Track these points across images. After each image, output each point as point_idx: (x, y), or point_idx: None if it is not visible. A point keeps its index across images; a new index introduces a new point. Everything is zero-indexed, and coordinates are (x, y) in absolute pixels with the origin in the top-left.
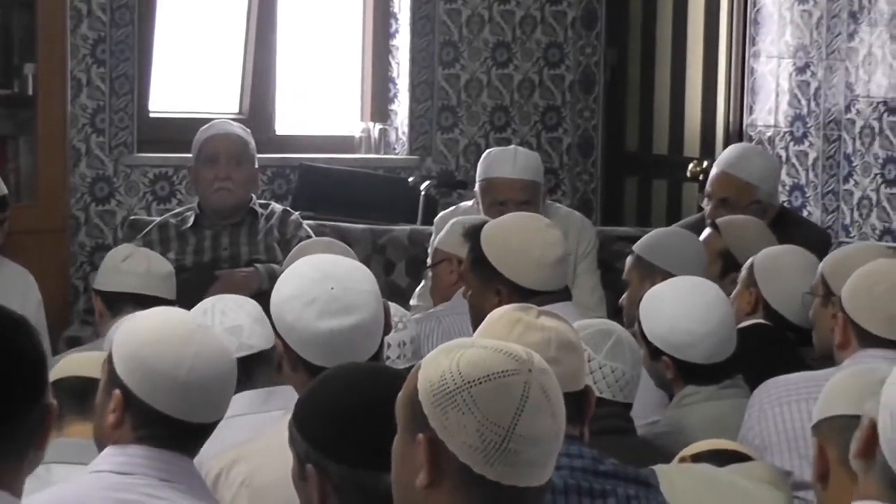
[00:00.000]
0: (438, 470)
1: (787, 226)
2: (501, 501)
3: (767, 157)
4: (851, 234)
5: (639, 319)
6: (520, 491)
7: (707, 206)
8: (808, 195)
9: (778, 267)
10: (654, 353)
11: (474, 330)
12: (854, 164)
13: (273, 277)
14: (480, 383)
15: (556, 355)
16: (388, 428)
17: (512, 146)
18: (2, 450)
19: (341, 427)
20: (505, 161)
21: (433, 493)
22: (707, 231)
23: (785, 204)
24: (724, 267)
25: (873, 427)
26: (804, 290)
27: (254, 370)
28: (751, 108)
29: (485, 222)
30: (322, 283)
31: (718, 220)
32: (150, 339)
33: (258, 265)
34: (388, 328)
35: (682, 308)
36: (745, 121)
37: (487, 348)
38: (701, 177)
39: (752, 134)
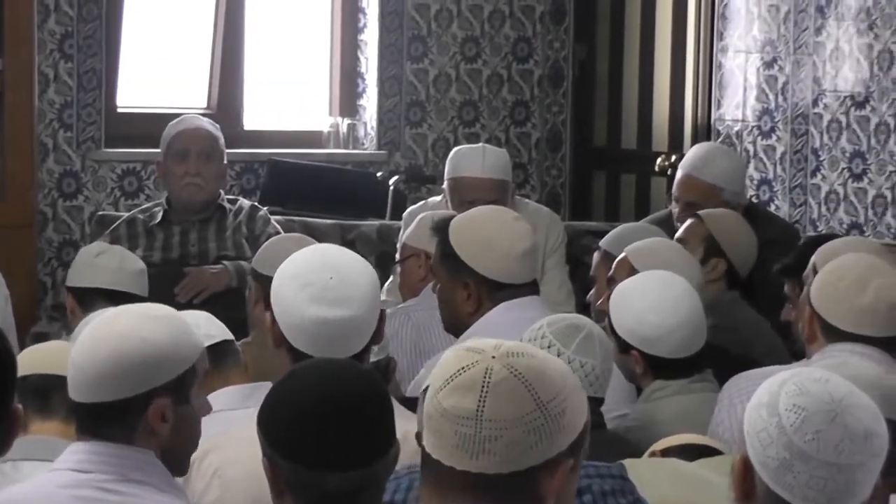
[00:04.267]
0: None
1: (755, 221)
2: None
3: (731, 156)
4: (819, 229)
5: (608, 313)
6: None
7: (675, 209)
8: (775, 190)
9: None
10: (624, 346)
11: (444, 324)
12: (821, 159)
13: (242, 275)
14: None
15: None
16: (339, 429)
17: (480, 144)
18: None
19: (292, 425)
20: (473, 160)
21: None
22: (689, 220)
23: (752, 199)
24: (706, 252)
25: (744, 464)
26: None
27: (221, 360)
28: (719, 102)
29: (453, 216)
30: (322, 271)
31: (701, 212)
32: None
33: (227, 262)
34: (378, 336)
35: (650, 301)
36: (713, 115)
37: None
38: (669, 171)
39: (719, 128)
